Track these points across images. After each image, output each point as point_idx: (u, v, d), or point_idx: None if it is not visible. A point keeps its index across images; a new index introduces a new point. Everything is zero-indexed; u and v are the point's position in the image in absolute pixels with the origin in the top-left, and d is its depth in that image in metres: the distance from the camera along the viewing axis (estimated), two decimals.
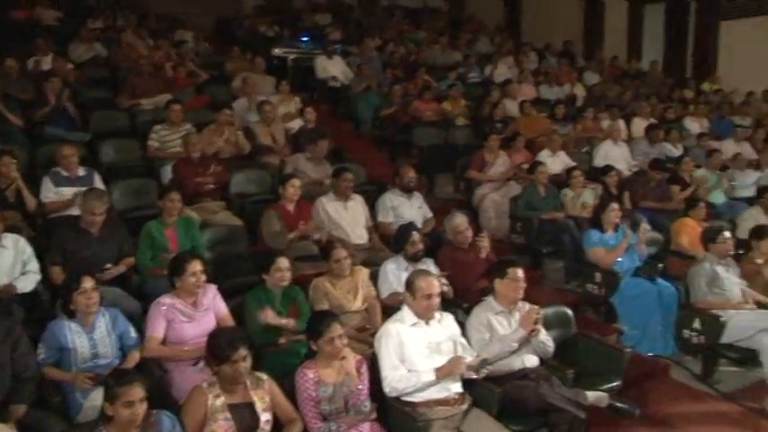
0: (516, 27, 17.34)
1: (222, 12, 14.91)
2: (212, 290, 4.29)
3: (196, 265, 4.12)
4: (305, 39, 12.81)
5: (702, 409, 4.97)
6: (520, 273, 4.27)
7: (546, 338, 4.30)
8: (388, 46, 12.67)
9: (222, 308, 4.27)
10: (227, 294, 4.43)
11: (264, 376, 3.50)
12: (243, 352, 3.29)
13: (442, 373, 3.76)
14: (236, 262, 5.43)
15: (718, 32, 13.18)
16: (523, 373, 4.15)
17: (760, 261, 5.67)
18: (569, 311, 4.99)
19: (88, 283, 3.91)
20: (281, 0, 16.07)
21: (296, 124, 8.34)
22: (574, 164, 8.00)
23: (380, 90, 10.16)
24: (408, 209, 6.31)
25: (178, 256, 4.34)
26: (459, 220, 5.48)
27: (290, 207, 5.82)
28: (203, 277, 4.15)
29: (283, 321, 4.28)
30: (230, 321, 4.23)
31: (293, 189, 5.82)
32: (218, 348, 3.32)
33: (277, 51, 12.07)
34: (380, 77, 10.74)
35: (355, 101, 10.07)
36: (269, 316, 4.24)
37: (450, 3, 18.19)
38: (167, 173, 6.61)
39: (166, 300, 4.10)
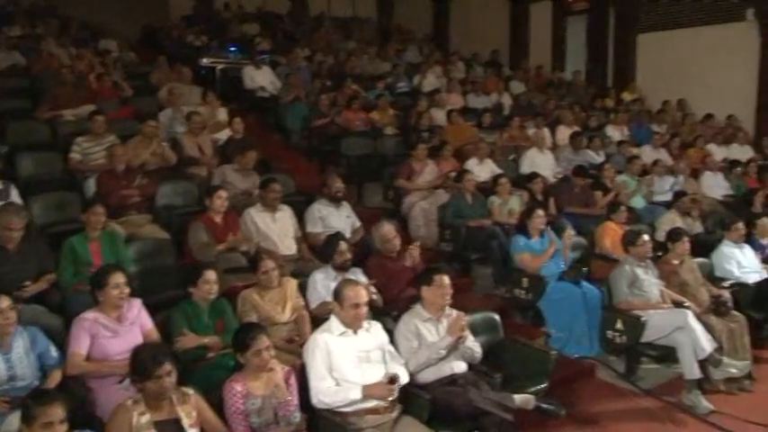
0: (444, 37, 17.67)
1: (149, 21, 14.66)
2: (137, 304, 4.20)
3: (118, 278, 4.04)
4: (233, 49, 12.70)
5: (626, 406, 5.16)
6: (446, 280, 4.32)
7: (473, 344, 4.37)
8: (316, 56, 12.66)
9: (147, 322, 4.18)
10: (154, 308, 4.35)
11: (191, 391, 3.43)
12: (167, 367, 3.23)
13: (370, 394, 3.76)
14: (163, 275, 5.34)
15: (636, 45, 13.72)
16: (452, 379, 4.20)
17: (676, 262, 5.90)
18: (497, 317, 5.07)
19: (4, 302, 3.78)
20: (210, 9, 15.91)
21: (224, 135, 8.24)
22: (500, 171, 8.16)
23: (309, 100, 10.14)
24: (337, 219, 6.32)
25: (100, 269, 4.24)
26: (387, 228, 5.52)
27: (218, 219, 5.75)
28: (127, 289, 4.07)
29: (205, 340, 4.20)
30: (155, 336, 4.14)
31: (220, 201, 5.75)
32: (141, 364, 3.24)
33: (205, 61, 11.93)
34: (309, 87, 10.73)
35: (284, 111, 10.02)
36: (188, 341, 4.16)
37: (380, 13, 18.35)
38: (91, 186, 6.43)
39: (89, 315, 4.00)
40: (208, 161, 7.38)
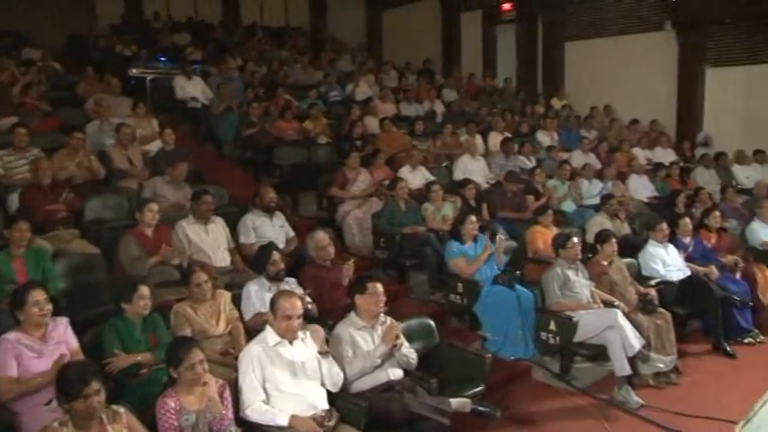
0: (377, 46, 17.77)
1: (75, 29, 14.24)
2: (64, 322, 4.06)
3: (38, 295, 3.91)
4: (163, 59, 12.49)
5: (561, 404, 5.26)
6: (379, 287, 4.35)
7: (408, 351, 4.39)
8: (248, 65, 12.58)
9: (73, 342, 4.04)
10: (84, 326, 4.24)
11: (122, 409, 3.33)
12: (95, 386, 3.12)
13: (296, 425, 3.71)
14: (93, 291, 5.20)
15: (564, 52, 14.10)
16: (389, 386, 4.21)
17: (605, 263, 6.05)
18: (432, 322, 5.10)
19: None
20: (139, 18, 15.59)
21: (154, 147, 8.09)
22: (433, 178, 8.24)
23: (242, 110, 10.04)
24: (270, 229, 6.29)
25: (18, 287, 4.10)
26: (321, 235, 5.52)
27: (149, 232, 5.64)
28: (48, 307, 3.94)
29: (138, 358, 4.11)
30: (80, 356, 4.00)
31: (151, 214, 5.64)
32: (67, 384, 3.13)
33: (134, 72, 11.66)
34: (241, 97, 10.62)
35: (216, 121, 9.91)
36: (121, 361, 4.06)
37: (313, 22, 18.33)
38: (14, 201, 6.21)
39: (11, 336, 3.84)
40: (138, 173, 7.24)
